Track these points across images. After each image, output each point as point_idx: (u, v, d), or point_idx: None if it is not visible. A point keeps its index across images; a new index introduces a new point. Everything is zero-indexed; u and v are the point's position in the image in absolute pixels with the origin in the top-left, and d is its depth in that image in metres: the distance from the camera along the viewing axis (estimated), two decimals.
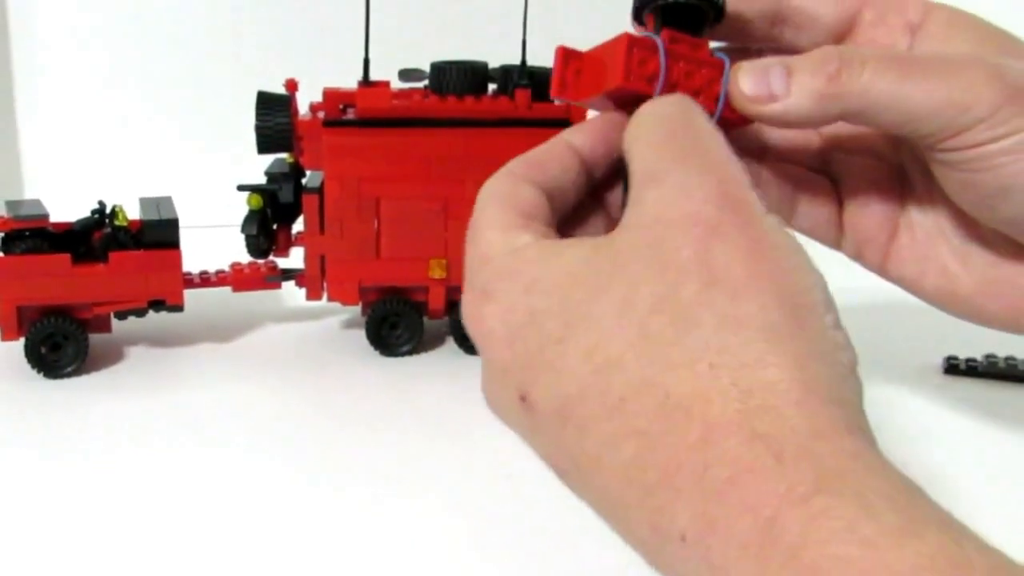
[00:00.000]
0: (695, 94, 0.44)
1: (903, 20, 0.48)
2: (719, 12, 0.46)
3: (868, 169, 0.52)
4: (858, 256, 0.51)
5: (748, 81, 0.45)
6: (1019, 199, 0.45)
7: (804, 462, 0.32)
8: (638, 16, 0.46)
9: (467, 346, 0.75)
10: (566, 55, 0.45)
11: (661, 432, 0.35)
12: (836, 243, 0.51)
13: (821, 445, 0.33)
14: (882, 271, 0.51)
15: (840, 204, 0.51)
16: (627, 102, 0.44)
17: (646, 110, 0.42)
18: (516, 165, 0.44)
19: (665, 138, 0.41)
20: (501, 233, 0.41)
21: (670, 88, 0.44)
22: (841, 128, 0.51)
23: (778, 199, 0.50)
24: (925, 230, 0.51)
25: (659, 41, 0.43)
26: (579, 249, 0.39)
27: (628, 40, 0.43)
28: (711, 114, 0.44)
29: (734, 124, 0.46)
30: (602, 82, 0.45)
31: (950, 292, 0.49)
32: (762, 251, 0.37)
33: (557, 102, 0.73)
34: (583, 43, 0.46)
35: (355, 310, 0.80)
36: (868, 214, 0.51)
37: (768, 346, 0.35)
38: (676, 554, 0.34)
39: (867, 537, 0.30)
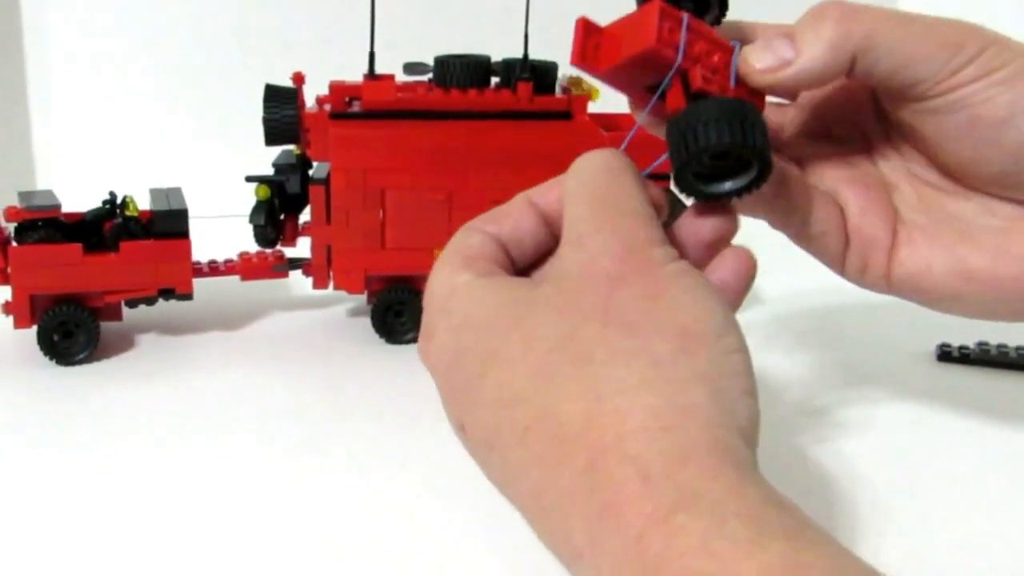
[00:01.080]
0: (712, 72, 0.45)
1: None
2: (724, 4, 0.46)
3: (860, 176, 0.53)
4: (863, 269, 0.52)
5: (758, 56, 0.47)
6: (1014, 133, 0.47)
7: (667, 482, 0.35)
8: None
9: None
10: (587, 27, 0.46)
11: (556, 459, 0.37)
12: (842, 257, 0.52)
13: (687, 467, 0.35)
14: (888, 278, 0.51)
15: (843, 214, 0.52)
16: (647, 70, 0.45)
17: (581, 165, 0.45)
18: (475, 220, 0.46)
19: (591, 203, 0.43)
20: (446, 275, 0.44)
21: (691, 62, 0.45)
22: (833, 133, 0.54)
23: (798, 208, 0.51)
24: (925, 219, 0.51)
25: (685, 16, 0.44)
26: (504, 290, 0.43)
27: (660, 7, 0.44)
28: (725, 92, 0.45)
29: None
30: (626, 49, 0.45)
31: (963, 272, 0.49)
32: (657, 293, 0.40)
33: (563, 87, 0.73)
34: None
35: (361, 298, 0.80)
36: (869, 216, 0.51)
37: (651, 373, 0.38)
38: (581, 571, 0.37)
39: (717, 550, 0.32)
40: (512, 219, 0.46)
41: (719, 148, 0.44)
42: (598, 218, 0.43)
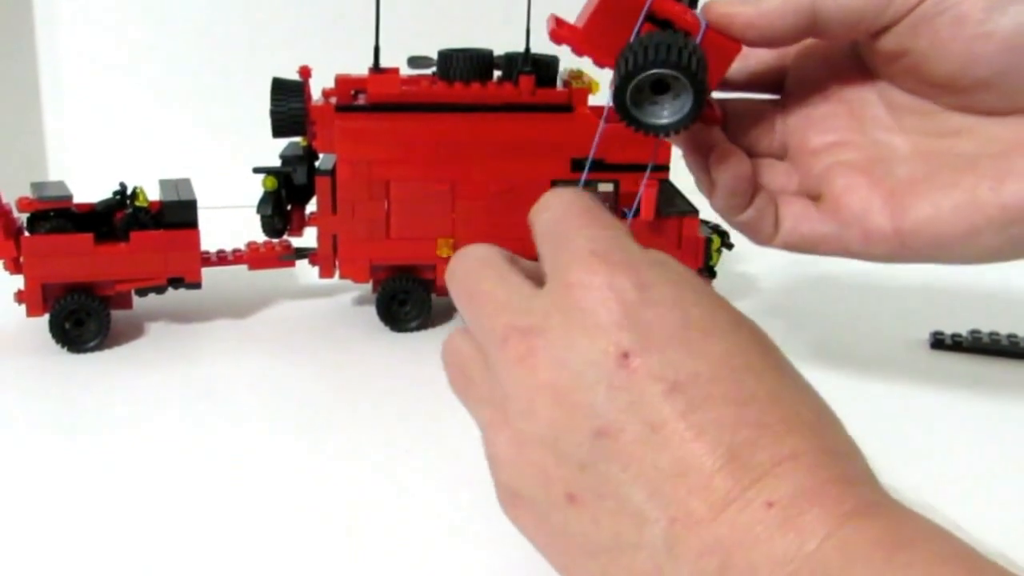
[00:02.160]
0: (681, 12, 0.48)
1: None
2: None
3: (848, 153, 0.53)
4: (867, 239, 0.52)
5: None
6: (1002, 20, 0.47)
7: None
8: None
9: None
10: (555, 18, 0.50)
11: (784, 431, 0.36)
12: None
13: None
14: (901, 236, 0.51)
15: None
16: (623, 25, 0.48)
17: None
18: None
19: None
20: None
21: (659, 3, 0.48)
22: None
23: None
24: (924, 167, 0.51)
25: None
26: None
27: None
28: (695, 34, 0.48)
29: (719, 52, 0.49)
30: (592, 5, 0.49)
31: (971, 204, 0.49)
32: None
33: (564, 81, 0.73)
34: None
35: (366, 287, 0.80)
36: (854, 191, 0.52)
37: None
38: (747, 517, 0.35)
39: None
40: None
41: (653, 67, 0.46)
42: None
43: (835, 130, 0.54)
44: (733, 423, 0.36)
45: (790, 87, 0.56)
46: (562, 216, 0.43)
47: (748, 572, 0.34)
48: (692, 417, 0.36)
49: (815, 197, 0.53)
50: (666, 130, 0.49)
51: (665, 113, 0.48)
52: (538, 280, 0.43)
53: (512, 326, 0.41)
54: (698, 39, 0.48)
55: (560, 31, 0.50)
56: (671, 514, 0.36)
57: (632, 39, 0.48)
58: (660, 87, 0.48)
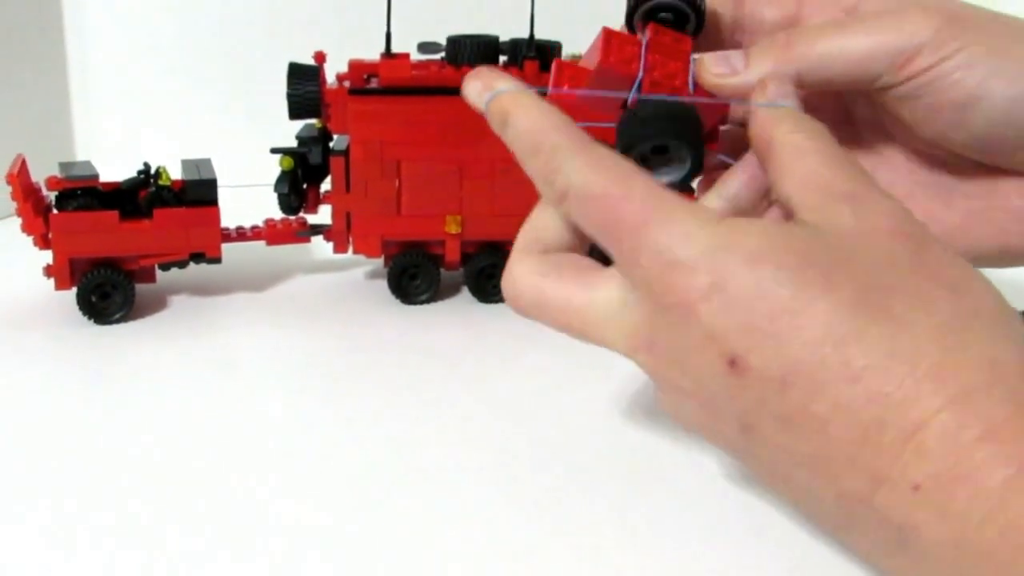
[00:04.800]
0: (670, 78, 0.47)
1: (839, 7, 0.49)
2: (700, 15, 0.48)
3: None
4: None
5: (713, 63, 0.47)
6: (983, 110, 0.45)
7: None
8: (629, 23, 0.48)
9: (480, 295, 0.75)
10: (559, 64, 0.50)
11: (907, 398, 0.34)
12: None
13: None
14: None
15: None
16: (616, 87, 0.47)
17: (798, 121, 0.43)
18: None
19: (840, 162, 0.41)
20: (690, 213, 0.40)
21: (646, 73, 0.47)
22: None
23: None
24: (899, 184, 0.50)
25: (641, 36, 0.47)
26: (793, 233, 0.38)
27: (607, 31, 0.47)
28: (685, 93, 0.47)
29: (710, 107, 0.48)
30: (587, 70, 0.48)
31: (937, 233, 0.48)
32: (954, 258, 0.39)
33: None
34: (586, 19, 0.47)
35: (378, 262, 0.80)
36: None
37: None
38: (896, 502, 0.34)
39: None
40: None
41: (651, 139, 0.46)
42: (863, 178, 0.40)
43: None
44: (852, 403, 0.35)
45: None
46: (601, 212, 0.41)
47: (923, 555, 0.34)
48: (814, 407, 0.36)
49: None
50: (672, 186, 0.48)
51: (665, 170, 0.48)
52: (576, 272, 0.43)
53: (633, 347, 0.41)
54: (690, 90, 0.48)
55: (560, 77, 0.50)
56: (836, 490, 0.36)
57: (627, 109, 0.47)
58: (660, 149, 0.47)
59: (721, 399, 0.38)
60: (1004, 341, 0.36)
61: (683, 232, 0.39)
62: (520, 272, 0.44)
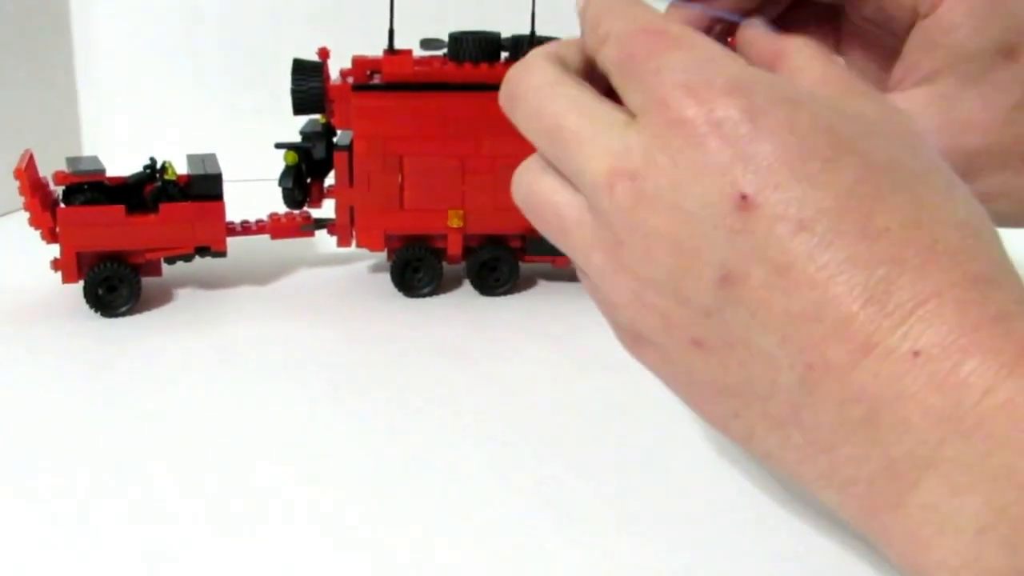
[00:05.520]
0: None
1: None
2: None
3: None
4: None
5: None
6: None
7: None
8: None
9: (482, 288, 0.75)
10: None
11: (923, 266, 0.33)
12: None
13: None
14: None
15: None
16: None
17: None
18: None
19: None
20: (725, 51, 0.37)
21: None
22: None
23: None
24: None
25: None
26: (822, 97, 0.37)
27: None
28: None
29: None
30: None
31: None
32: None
33: None
34: None
35: (381, 256, 0.80)
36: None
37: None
38: (885, 370, 0.32)
39: None
40: None
41: None
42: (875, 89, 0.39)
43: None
44: (867, 260, 0.33)
45: None
46: (633, 42, 0.38)
47: (899, 427, 0.32)
48: (822, 257, 0.33)
49: None
50: None
51: None
52: (604, 84, 0.39)
53: (616, 171, 0.36)
54: None
55: None
56: (807, 360, 0.33)
57: None
58: None
59: (708, 240, 0.35)
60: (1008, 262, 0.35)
61: (714, 58, 0.36)
62: (537, 58, 0.41)
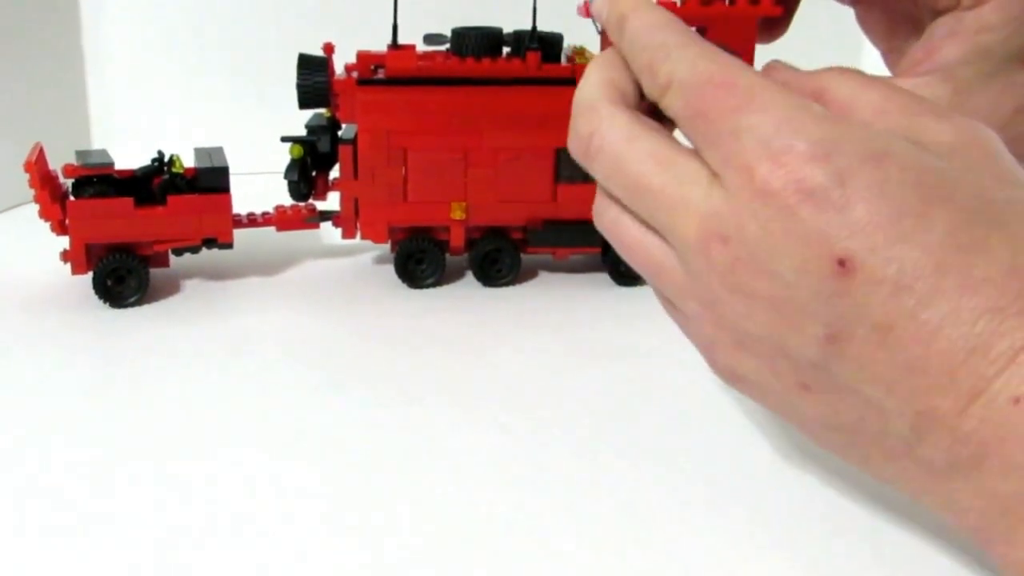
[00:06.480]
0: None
1: None
2: None
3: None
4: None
5: None
6: None
7: None
8: None
9: (484, 279, 0.75)
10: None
11: (1019, 311, 0.33)
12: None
13: None
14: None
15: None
16: None
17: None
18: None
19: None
20: (802, 103, 0.37)
21: None
22: None
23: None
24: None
25: None
26: (899, 139, 0.36)
27: None
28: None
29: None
30: None
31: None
32: None
33: (568, 56, 0.73)
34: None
35: (385, 247, 0.80)
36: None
37: None
38: (989, 415, 0.33)
39: None
40: None
41: None
42: (927, 101, 0.39)
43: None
44: (969, 314, 0.33)
45: None
46: (704, 98, 0.37)
47: (1006, 467, 0.32)
48: (924, 314, 0.33)
49: None
50: None
51: None
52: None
53: (708, 233, 0.36)
54: None
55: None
56: (915, 408, 0.34)
57: None
58: None
59: (810, 304, 0.35)
60: None
61: (791, 117, 0.35)
62: (603, 104, 0.40)
